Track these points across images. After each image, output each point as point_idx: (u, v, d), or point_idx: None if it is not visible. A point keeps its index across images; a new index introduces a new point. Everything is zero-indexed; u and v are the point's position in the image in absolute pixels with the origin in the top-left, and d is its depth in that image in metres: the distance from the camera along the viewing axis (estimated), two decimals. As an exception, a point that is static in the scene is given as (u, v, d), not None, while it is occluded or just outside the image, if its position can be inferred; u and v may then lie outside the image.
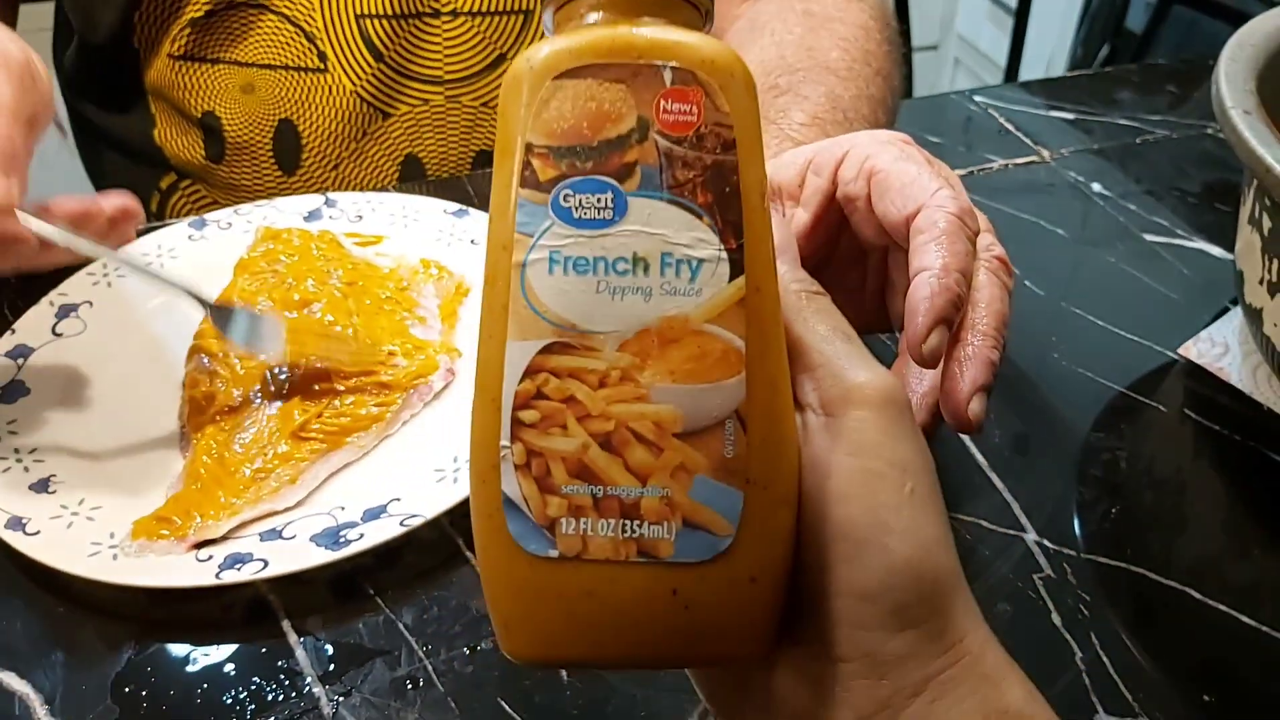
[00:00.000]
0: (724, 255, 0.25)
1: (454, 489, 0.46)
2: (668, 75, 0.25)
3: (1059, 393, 0.55)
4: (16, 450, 0.49)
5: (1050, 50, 1.94)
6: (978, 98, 0.78)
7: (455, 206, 0.64)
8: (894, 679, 0.25)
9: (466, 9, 0.73)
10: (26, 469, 0.48)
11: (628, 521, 0.25)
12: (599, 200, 0.25)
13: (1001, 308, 0.37)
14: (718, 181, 0.25)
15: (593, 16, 0.27)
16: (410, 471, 0.48)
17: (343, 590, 0.45)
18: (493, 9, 0.74)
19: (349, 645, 0.43)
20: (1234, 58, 0.51)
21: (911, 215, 0.37)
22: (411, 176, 0.78)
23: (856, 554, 0.25)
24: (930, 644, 0.25)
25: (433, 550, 0.46)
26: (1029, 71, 1.90)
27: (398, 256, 0.61)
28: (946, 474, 0.50)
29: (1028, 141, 0.73)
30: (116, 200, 0.54)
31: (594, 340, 0.25)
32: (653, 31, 0.26)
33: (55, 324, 0.56)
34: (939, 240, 0.36)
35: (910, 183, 0.38)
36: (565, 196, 0.25)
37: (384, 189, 0.76)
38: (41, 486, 0.47)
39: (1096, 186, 0.69)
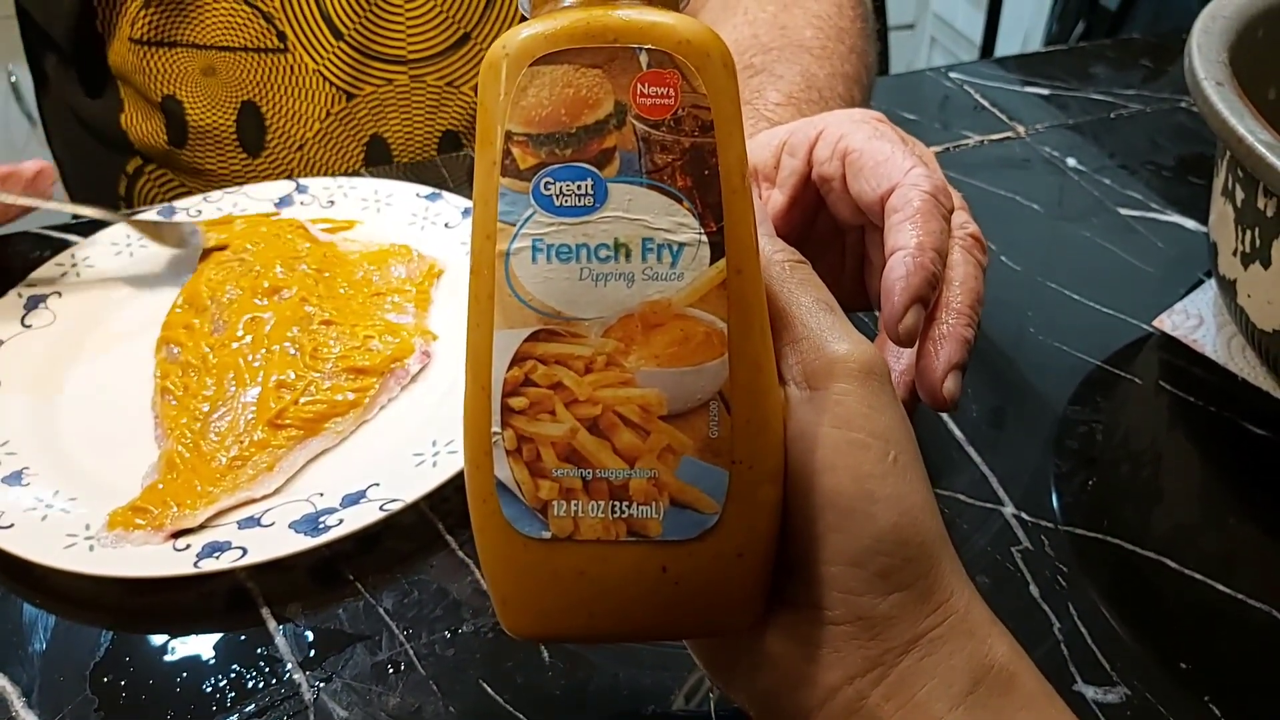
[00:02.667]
0: (704, 239, 0.25)
1: (433, 473, 0.46)
2: (644, 58, 0.25)
3: (1035, 366, 0.55)
4: (-12, 443, 0.49)
5: (1026, 28, 1.94)
6: (953, 74, 0.78)
7: (428, 190, 0.63)
8: (884, 639, 0.26)
9: (430, -13, 0.73)
10: (-1, 462, 0.48)
11: (617, 503, 0.25)
12: (579, 188, 0.25)
13: (976, 285, 0.38)
14: (696, 164, 0.25)
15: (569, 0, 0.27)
16: (389, 456, 0.48)
17: (322, 576, 0.45)
18: None
19: (329, 631, 0.43)
20: (1206, 30, 0.52)
21: (886, 194, 0.37)
22: (378, 157, 0.77)
23: (844, 522, 0.26)
24: (918, 604, 0.26)
25: (412, 535, 0.46)
26: (1005, 49, 1.90)
27: (369, 241, 0.60)
28: (925, 449, 0.50)
29: (1003, 118, 0.73)
30: (33, 165, 0.57)
31: (579, 327, 0.25)
32: (628, 14, 0.26)
33: (24, 315, 0.56)
34: (913, 219, 0.36)
35: (884, 161, 0.38)
36: (546, 185, 0.25)
37: (351, 170, 0.76)
38: (15, 479, 0.47)
39: (1071, 161, 0.69)
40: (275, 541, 0.43)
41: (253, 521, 0.45)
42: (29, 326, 0.55)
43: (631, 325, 0.25)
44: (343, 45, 0.72)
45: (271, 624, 0.43)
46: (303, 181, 0.64)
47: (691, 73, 0.25)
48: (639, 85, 0.25)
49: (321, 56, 0.72)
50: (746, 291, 0.26)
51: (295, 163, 0.76)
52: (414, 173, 0.68)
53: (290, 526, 0.44)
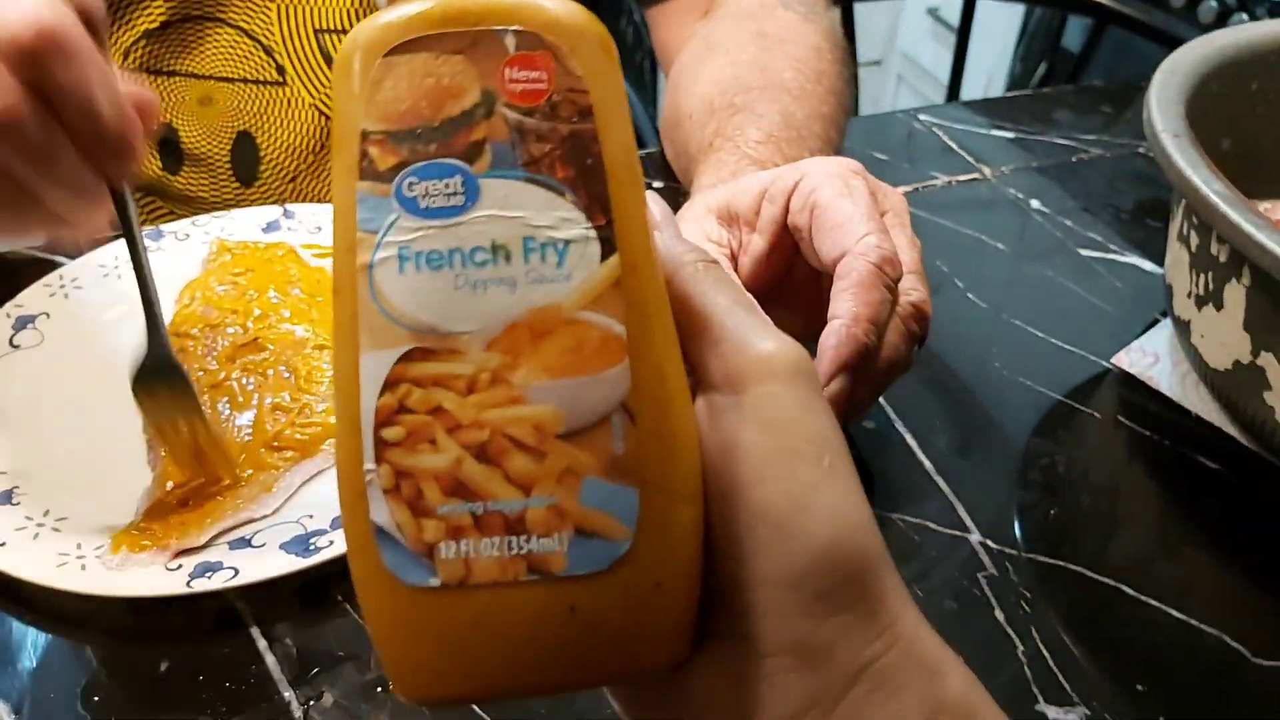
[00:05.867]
0: (592, 234, 0.23)
1: (420, 497, 0.47)
2: (510, 41, 0.23)
3: (999, 400, 0.57)
4: (-23, 462, 0.49)
5: (990, 67, 2.00)
6: (922, 116, 0.81)
7: (416, 219, 0.65)
8: (825, 669, 0.23)
9: (425, 24, 0.74)
10: (-12, 481, 0.48)
11: (514, 538, 0.22)
12: (447, 186, 0.22)
13: (893, 355, 0.40)
14: (577, 153, 0.23)
15: None
16: (376, 480, 0.49)
17: (311, 597, 0.46)
18: None
19: (318, 650, 0.44)
20: (1164, 84, 0.54)
21: (838, 258, 0.39)
22: (370, 189, 0.79)
23: (775, 539, 0.23)
24: (862, 629, 0.23)
25: (399, 557, 0.47)
26: (970, 87, 1.95)
27: (359, 268, 0.61)
28: (894, 477, 0.52)
29: (970, 159, 0.76)
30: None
31: (458, 342, 0.22)
32: None
33: (13, 335, 0.56)
34: (854, 289, 0.38)
35: (841, 224, 0.40)
36: (409, 185, 0.22)
37: (342, 201, 0.77)
38: (5, 498, 0.47)
39: (1035, 203, 0.72)
40: (266, 562, 0.44)
41: (244, 542, 0.46)
42: (17, 347, 0.56)
43: (518, 336, 0.22)
44: None
45: (261, 643, 0.44)
46: (290, 207, 0.65)
47: (565, 54, 0.23)
48: (507, 70, 0.23)
49: (318, 91, 0.73)
50: (644, 290, 0.23)
51: (287, 193, 0.77)
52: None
53: (281, 547, 0.45)
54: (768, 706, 0.23)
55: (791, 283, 0.46)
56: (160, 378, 0.48)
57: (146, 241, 0.62)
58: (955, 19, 2.00)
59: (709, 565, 0.24)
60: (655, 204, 0.27)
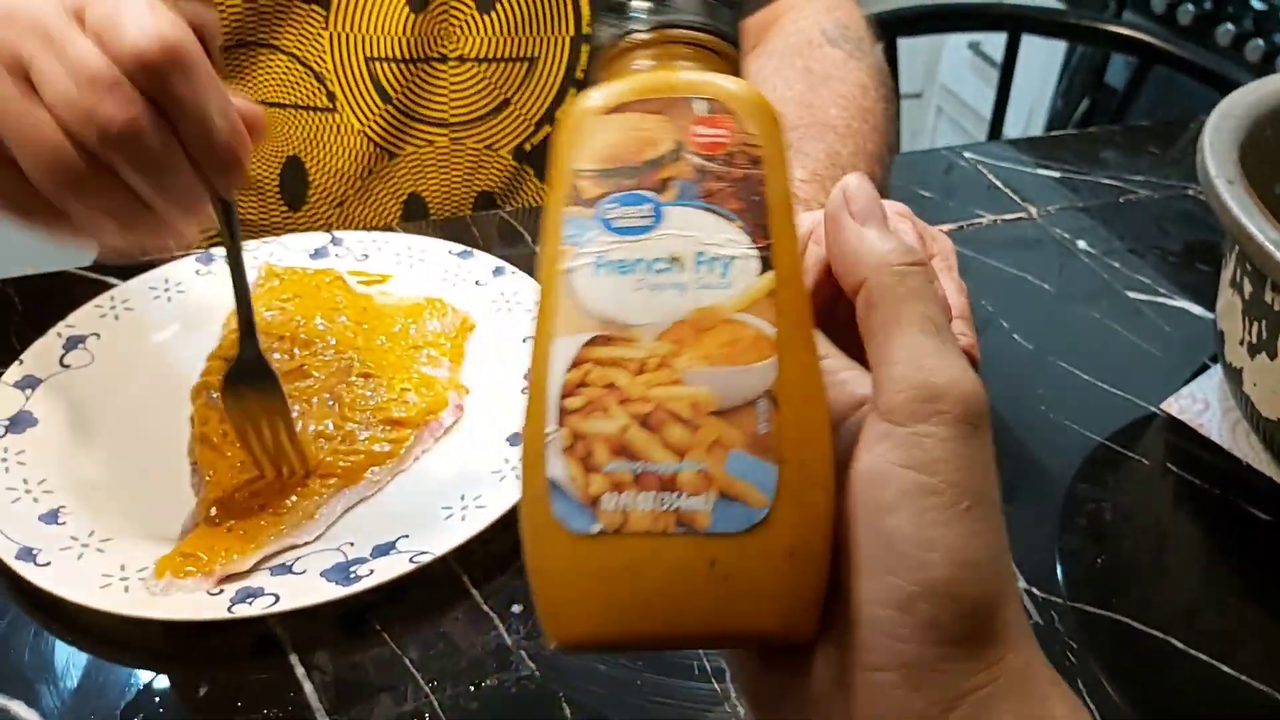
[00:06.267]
0: (754, 253, 0.27)
1: (461, 527, 0.47)
2: (699, 106, 0.28)
3: (1045, 442, 0.56)
4: (25, 481, 0.50)
5: (1032, 102, 1.99)
6: (967, 154, 0.80)
7: (460, 248, 0.65)
8: (927, 691, 0.25)
9: (473, 55, 0.75)
10: (36, 500, 0.49)
11: (667, 494, 0.26)
12: (639, 210, 0.27)
13: None
14: (747, 192, 0.28)
15: (639, 64, 0.30)
16: (418, 508, 0.49)
17: (350, 625, 0.46)
18: (498, 56, 0.76)
19: (356, 680, 0.44)
20: (1217, 129, 0.54)
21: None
22: (414, 215, 0.79)
23: (896, 564, 0.25)
24: (968, 660, 0.25)
25: (439, 587, 0.47)
26: (1011, 122, 1.94)
27: (403, 295, 0.62)
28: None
29: (1015, 198, 0.76)
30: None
31: (634, 332, 0.26)
32: (689, 75, 0.29)
33: (63, 355, 0.57)
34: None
35: None
36: (608, 209, 0.27)
37: (387, 226, 0.78)
38: (51, 518, 0.48)
39: (1081, 244, 0.71)
40: (307, 589, 0.44)
41: (284, 569, 0.46)
42: (67, 366, 0.57)
43: (683, 330, 0.27)
44: (389, 108, 0.74)
45: (299, 671, 0.44)
46: (338, 234, 0.66)
47: (743, 117, 0.28)
48: (696, 126, 0.28)
49: (368, 117, 0.74)
50: (793, 302, 0.27)
51: (334, 217, 0.78)
52: (446, 230, 0.70)
53: (322, 575, 0.45)
54: (870, 715, 0.25)
55: (835, 323, 0.46)
56: (249, 380, 0.49)
57: (196, 265, 0.63)
58: (996, 54, 2.00)
59: (836, 570, 0.26)
60: (863, 192, 0.30)
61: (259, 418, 0.49)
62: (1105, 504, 0.53)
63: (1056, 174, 0.79)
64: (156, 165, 0.38)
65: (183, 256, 0.65)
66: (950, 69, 2.24)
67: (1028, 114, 2.01)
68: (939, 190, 0.76)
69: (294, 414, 0.52)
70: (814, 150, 0.57)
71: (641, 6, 0.30)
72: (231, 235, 0.46)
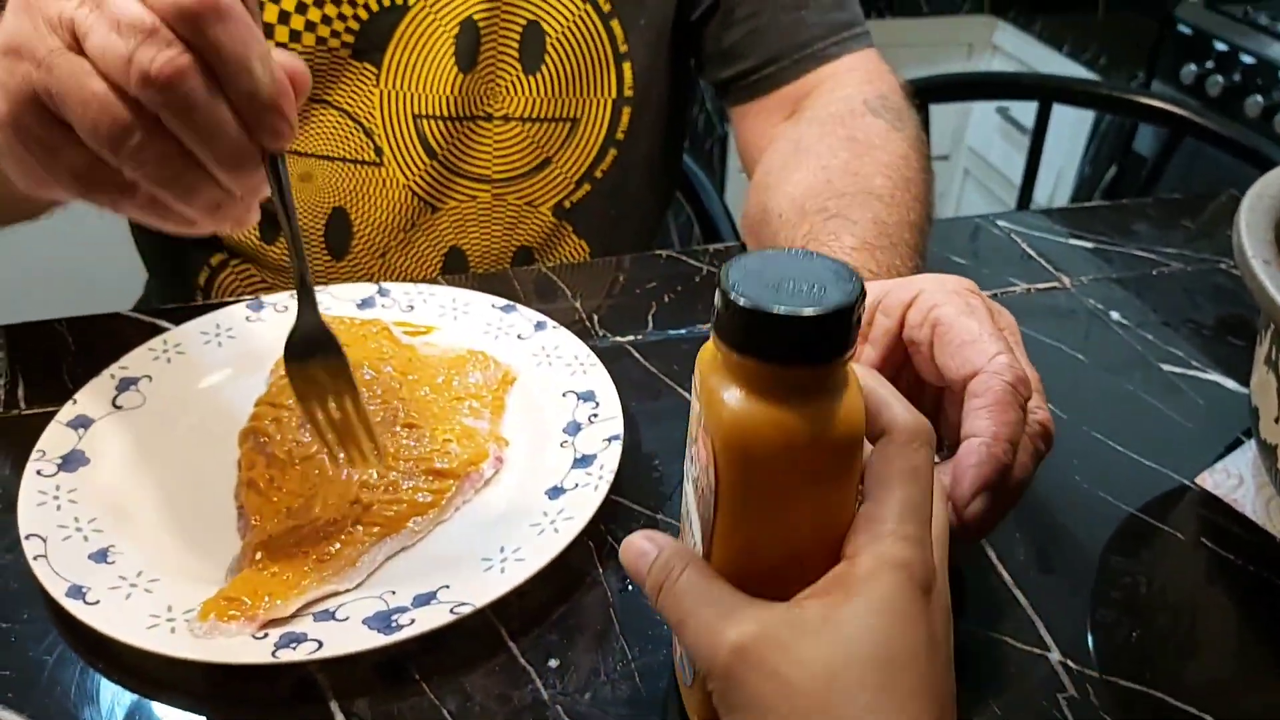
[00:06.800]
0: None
1: (501, 579, 0.48)
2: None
3: (1079, 514, 0.57)
4: (76, 519, 0.51)
5: (1060, 166, 2.00)
6: (1000, 222, 0.81)
7: (503, 302, 0.67)
8: None
9: (518, 114, 0.77)
10: (86, 538, 0.50)
11: None
12: None
13: (1023, 474, 0.40)
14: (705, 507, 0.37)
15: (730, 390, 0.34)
16: (458, 559, 0.50)
17: (389, 673, 0.46)
18: (542, 116, 0.78)
19: (395, 729, 0.44)
20: (1253, 208, 0.55)
21: (969, 376, 0.40)
22: (454, 267, 0.81)
23: None
24: None
25: (477, 637, 0.48)
26: (1038, 186, 1.96)
27: (446, 347, 0.63)
28: (973, 589, 0.52)
29: (1049, 268, 0.76)
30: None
31: None
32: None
33: (115, 396, 0.59)
34: (991, 409, 0.39)
35: (970, 342, 0.41)
36: None
37: (428, 278, 0.79)
38: (100, 557, 0.49)
39: (1115, 315, 0.72)
40: (349, 636, 0.45)
41: (328, 615, 0.47)
42: (119, 408, 0.58)
43: None
44: (434, 164, 0.76)
45: (339, 718, 0.44)
46: (384, 285, 0.68)
47: (719, 452, 0.34)
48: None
49: (413, 173, 0.76)
50: None
51: (376, 268, 0.79)
52: (487, 283, 0.71)
53: (364, 622, 0.46)
54: None
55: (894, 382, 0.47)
56: (312, 352, 0.48)
57: (247, 312, 0.65)
58: (1024, 118, 2.03)
59: None
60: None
61: (325, 392, 0.48)
62: (1140, 577, 0.53)
63: (1089, 244, 0.80)
64: (201, 113, 0.37)
65: (234, 303, 0.66)
66: (978, 132, 2.26)
67: (1055, 179, 2.02)
68: (972, 257, 0.77)
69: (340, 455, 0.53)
70: (861, 218, 0.59)
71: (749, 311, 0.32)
72: (281, 192, 0.44)
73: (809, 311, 0.31)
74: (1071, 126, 1.94)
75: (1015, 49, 2.13)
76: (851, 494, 0.36)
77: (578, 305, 0.71)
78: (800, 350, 0.32)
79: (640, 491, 0.56)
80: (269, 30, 0.71)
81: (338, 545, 0.49)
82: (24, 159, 0.41)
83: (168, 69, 0.36)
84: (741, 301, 0.32)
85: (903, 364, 0.45)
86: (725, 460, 0.33)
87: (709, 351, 0.35)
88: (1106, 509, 0.57)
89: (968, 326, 0.42)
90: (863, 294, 0.32)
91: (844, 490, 0.35)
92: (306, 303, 0.48)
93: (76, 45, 0.37)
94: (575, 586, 0.50)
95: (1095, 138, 1.96)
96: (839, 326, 0.32)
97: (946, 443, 0.50)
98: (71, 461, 0.54)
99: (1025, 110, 1.96)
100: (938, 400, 0.45)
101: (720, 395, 0.33)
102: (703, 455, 0.34)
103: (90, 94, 0.37)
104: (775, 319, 0.31)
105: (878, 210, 0.60)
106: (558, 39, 0.76)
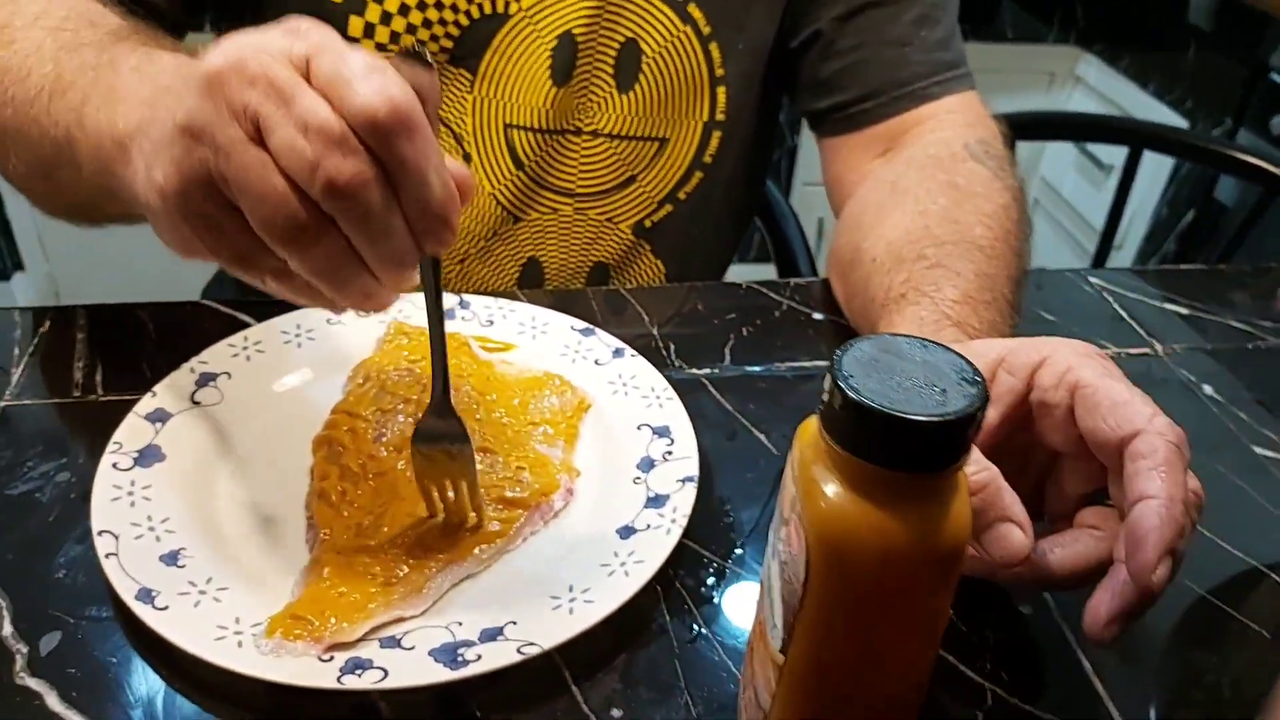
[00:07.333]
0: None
1: (569, 620, 0.47)
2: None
3: (1161, 601, 0.55)
4: (150, 517, 0.51)
5: (1135, 206, 1.96)
6: (1092, 279, 0.79)
7: (582, 325, 0.66)
8: None
9: (607, 131, 0.76)
10: (158, 539, 0.50)
11: None
12: None
13: (1186, 546, 0.39)
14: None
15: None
16: (525, 593, 0.49)
17: (450, 705, 0.46)
18: (631, 134, 0.77)
19: (454, 766, 0.43)
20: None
21: (1127, 437, 0.39)
22: (530, 279, 0.80)
23: None
24: None
25: (541, 677, 0.47)
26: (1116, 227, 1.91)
27: (523, 366, 0.63)
28: (1050, 675, 0.50)
29: (1141, 332, 0.74)
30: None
31: None
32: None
33: (194, 392, 0.58)
34: (1160, 469, 0.38)
35: (1123, 404, 0.40)
36: None
37: (504, 288, 0.79)
38: (171, 559, 0.49)
39: (1208, 389, 0.69)
40: (415, 667, 0.45)
41: (393, 642, 0.46)
42: (198, 403, 0.58)
43: None
44: (521, 174, 0.76)
45: (399, 749, 0.44)
46: (465, 297, 0.67)
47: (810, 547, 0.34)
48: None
49: (499, 181, 0.76)
50: None
51: (454, 274, 0.79)
52: (565, 301, 0.70)
53: (430, 654, 0.45)
54: None
55: (1004, 452, 0.45)
56: (439, 440, 0.50)
57: (328, 314, 0.64)
58: (1101, 154, 1.98)
59: None
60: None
61: (445, 479, 0.50)
62: (1222, 673, 0.51)
63: (1184, 310, 0.77)
64: (376, 221, 0.38)
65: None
66: (1054, 164, 2.22)
67: (1130, 218, 1.98)
68: (1063, 314, 0.75)
69: (411, 480, 0.52)
70: (964, 270, 0.57)
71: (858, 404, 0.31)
72: (436, 293, 0.46)
73: (928, 419, 0.30)
74: (1151, 166, 1.89)
75: (1098, 83, 2.09)
76: (946, 603, 0.34)
77: (654, 331, 0.70)
78: (913, 457, 0.31)
79: (711, 536, 0.55)
80: (369, 30, 0.70)
81: (405, 569, 0.49)
82: (183, 232, 0.41)
83: (355, 181, 0.37)
84: (854, 396, 0.30)
85: (1020, 425, 0.44)
86: (818, 555, 0.32)
87: (810, 433, 0.34)
88: (1184, 595, 0.55)
89: (1116, 389, 0.41)
90: (986, 399, 0.31)
91: (938, 600, 0.34)
92: (444, 394, 0.50)
93: (258, 136, 0.37)
94: (641, 631, 0.50)
95: (1175, 180, 1.91)
96: (957, 435, 0.30)
97: (1051, 513, 0.48)
98: (147, 456, 0.54)
99: (1104, 145, 1.92)
100: (1047, 467, 0.44)
101: (820, 487, 0.32)
102: (794, 543, 0.33)
103: (270, 188, 0.37)
104: (890, 421, 0.30)
105: (979, 262, 0.58)
106: (654, 58, 0.75)
